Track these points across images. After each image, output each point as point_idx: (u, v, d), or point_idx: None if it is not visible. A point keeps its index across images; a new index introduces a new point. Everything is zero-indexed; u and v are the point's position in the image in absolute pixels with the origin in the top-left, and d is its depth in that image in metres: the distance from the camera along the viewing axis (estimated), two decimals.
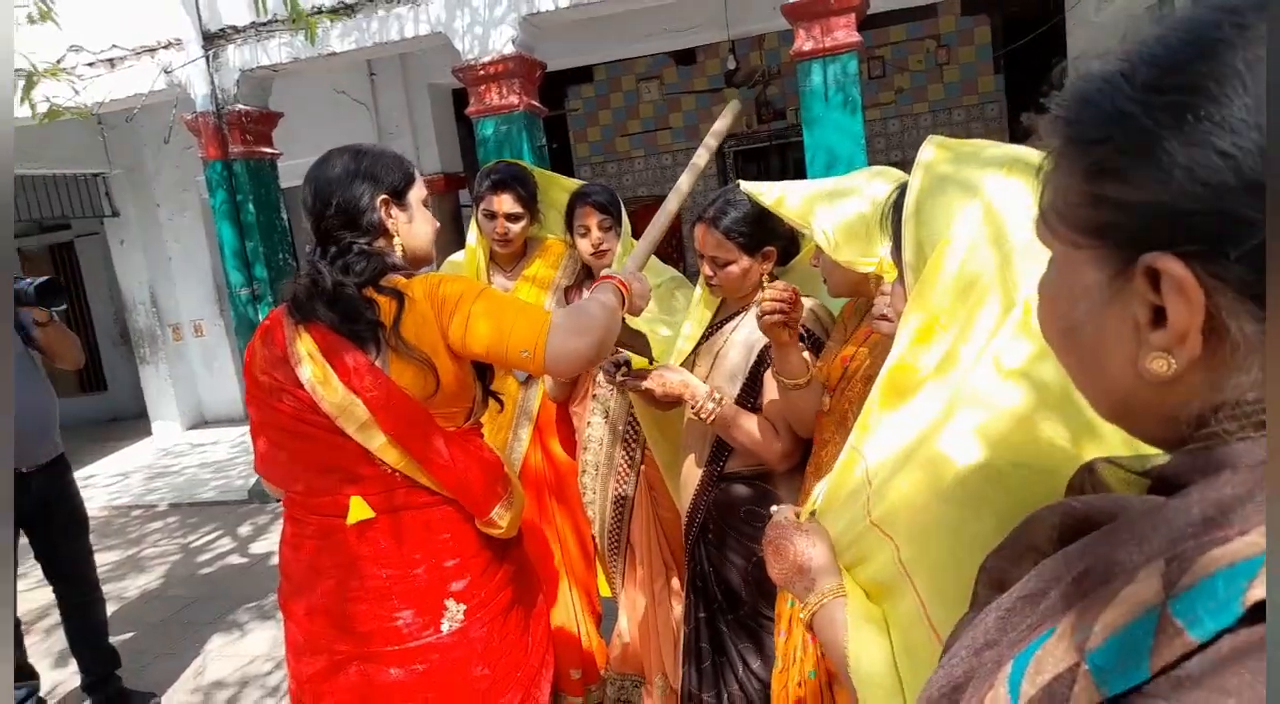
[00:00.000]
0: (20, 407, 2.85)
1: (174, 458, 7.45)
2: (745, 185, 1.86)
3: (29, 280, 2.74)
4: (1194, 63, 0.45)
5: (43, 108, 3.75)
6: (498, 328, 1.52)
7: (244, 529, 5.27)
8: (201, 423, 8.55)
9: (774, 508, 1.13)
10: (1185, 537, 0.43)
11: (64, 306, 2.84)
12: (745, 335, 1.98)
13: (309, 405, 1.55)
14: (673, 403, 2.03)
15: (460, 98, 7.44)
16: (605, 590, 2.73)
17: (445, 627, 1.61)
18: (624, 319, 1.74)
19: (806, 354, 1.83)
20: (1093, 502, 0.57)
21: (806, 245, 2.03)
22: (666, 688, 2.49)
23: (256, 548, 4.92)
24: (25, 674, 3.04)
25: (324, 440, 1.56)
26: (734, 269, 1.92)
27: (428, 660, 1.61)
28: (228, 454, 7.25)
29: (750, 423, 1.90)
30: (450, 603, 1.62)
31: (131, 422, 9.02)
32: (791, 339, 1.70)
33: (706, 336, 2.09)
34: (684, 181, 1.99)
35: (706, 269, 1.97)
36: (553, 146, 8.19)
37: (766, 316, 1.67)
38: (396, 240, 1.64)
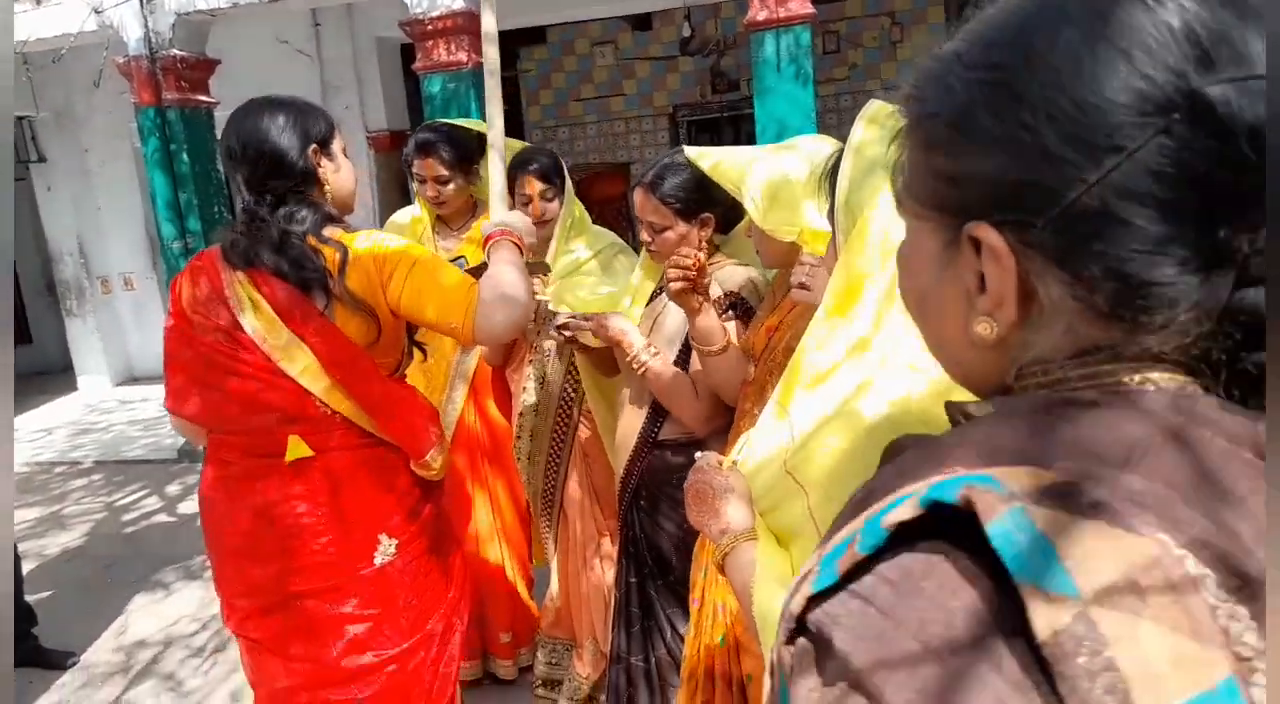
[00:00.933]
0: None
1: (101, 414, 7.23)
2: (689, 150, 1.85)
3: None
4: (1006, 40, 0.48)
5: None
6: (429, 297, 1.61)
7: (172, 488, 5.15)
8: (130, 379, 8.30)
9: (698, 454, 1.14)
10: (909, 473, 0.48)
11: None
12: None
13: (247, 346, 1.62)
14: (614, 367, 2.03)
15: (409, 53, 7.24)
16: (538, 557, 2.73)
17: (378, 560, 1.72)
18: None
19: (732, 323, 1.84)
20: (918, 437, 0.63)
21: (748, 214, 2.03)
22: (596, 651, 2.51)
23: (185, 508, 4.81)
24: None
25: (263, 381, 1.63)
26: (670, 235, 1.92)
27: (360, 592, 1.71)
28: (157, 412, 7.04)
29: (678, 382, 1.91)
30: (383, 537, 1.72)
31: (57, 376, 8.71)
32: (701, 306, 1.71)
33: (648, 303, 2.09)
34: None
35: (644, 234, 1.96)
36: (504, 109, 8.01)
37: (671, 283, 1.68)
38: (327, 189, 1.71)
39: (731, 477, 1.08)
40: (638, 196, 1.93)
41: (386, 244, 1.66)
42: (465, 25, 4.68)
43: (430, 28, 4.69)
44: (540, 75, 9.18)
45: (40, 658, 3.15)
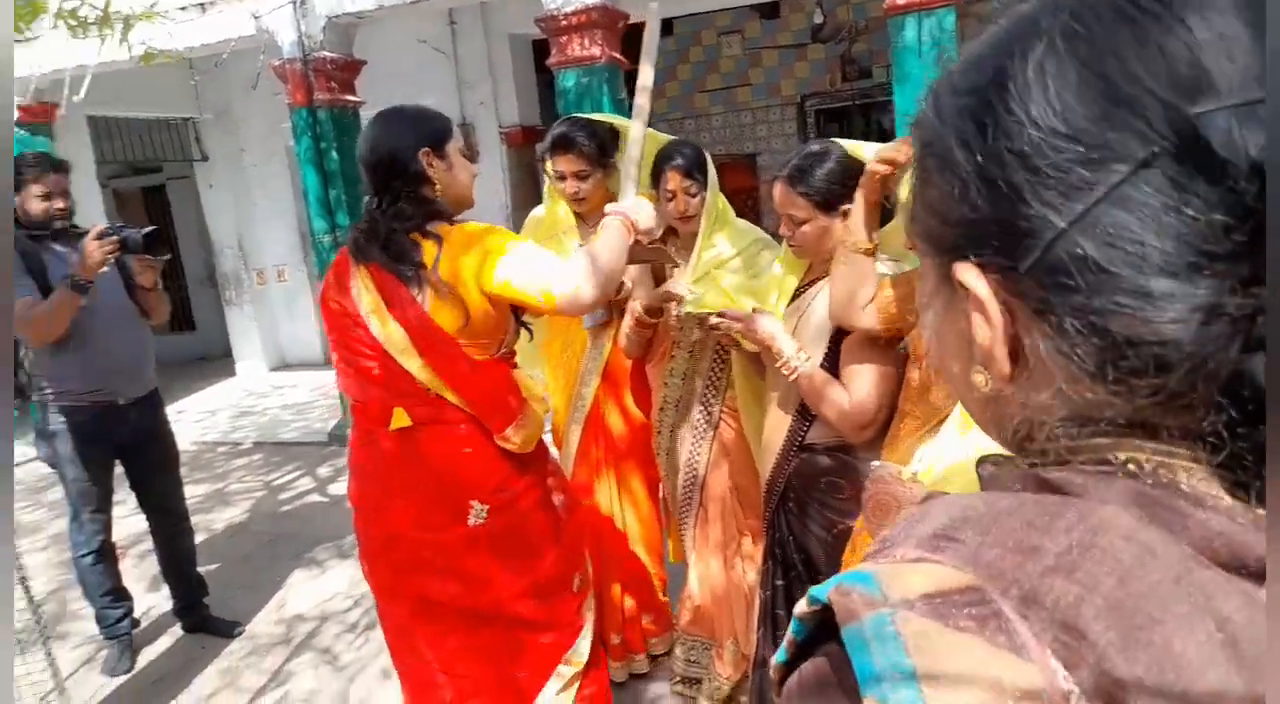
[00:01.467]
0: (119, 344, 2.97)
1: (257, 398, 7.72)
2: (842, 142, 1.80)
3: (135, 229, 2.81)
4: (985, 60, 0.44)
5: (138, 51, 3.83)
6: (515, 272, 1.77)
7: (324, 470, 5.44)
8: (283, 365, 8.83)
9: (874, 463, 1.11)
10: (888, 542, 0.45)
11: (168, 255, 2.91)
12: (827, 302, 1.92)
13: (364, 329, 1.86)
14: (763, 366, 2.01)
15: (540, 48, 7.38)
16: (675, 553, 2.72)
17: (471, 521, 1.92)
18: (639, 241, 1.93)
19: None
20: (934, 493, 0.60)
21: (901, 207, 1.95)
22: (737, 652, 2.50)
23: (335, 489, 5.08)
24: (121, 596, 3.20)
25: (376, 360, 1.87)
26: (810, 229, 1.87)
27: (459, 549, 1.93)
28: (308, 396, 7.48)
29: (834, 389, 1.87)
30: (474, 503, 1.92)
31: (217, 361, 9.36)
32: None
33: (794, 299, 2.05)
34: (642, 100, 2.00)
35: (784, 228, 1.92)
36: (619, 102, 8.10)
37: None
38: (438, 187, 1.88)
39: (916, 489, 1.05)
40: (777, 191, 1.90)
41: (481, 235, 1.82)
42: (600, 20, 4.72)
43: (565, 23, 4.76)
44: (665, 67, 9.18)
45: (210, 626, 3.39)
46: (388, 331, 1.83)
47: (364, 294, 1.85)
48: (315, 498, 4.99)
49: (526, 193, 7.64)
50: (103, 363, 2.92)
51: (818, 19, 6.58)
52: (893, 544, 0.43)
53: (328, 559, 4.06)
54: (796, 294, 2.05)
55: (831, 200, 1.85)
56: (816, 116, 8.91)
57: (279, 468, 5.62)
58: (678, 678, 2.68)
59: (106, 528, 3.10)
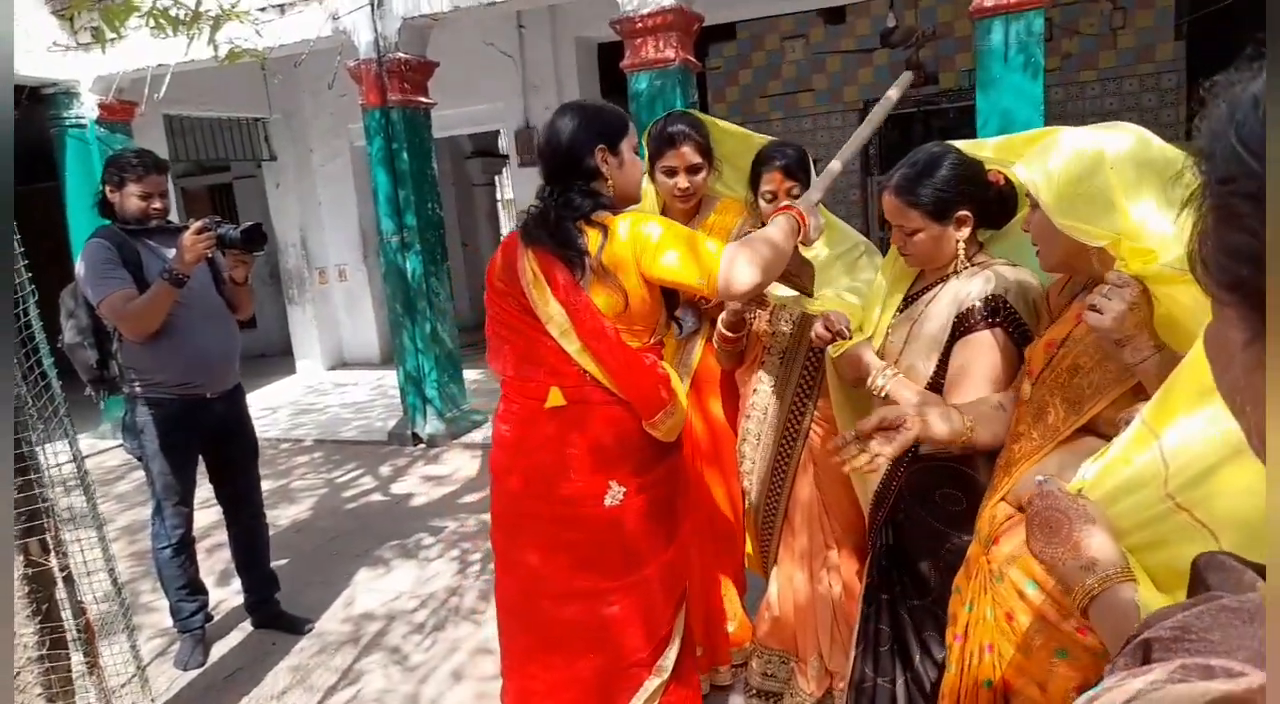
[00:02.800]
0: (209, 338, 3.00)
1: (318, 396, 7.80)
2: (959, 143, 1.73)
3: (231, 225, 2.83)
4: None
5: (223, 50, 3.88)
6: (682, 257, 1.83)
7: (384, 469, 5.47)
8: (341, 364, 8.92)
9: (1038, 478, 1.04)
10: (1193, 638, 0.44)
11: (263, 251, 2.93)
12: (943, 309, 1.85)
13: (528, 310, 1.93)
14: (862, 380, 1.94)
15: (605, 52, 7.38)
16: (754, 564, 2.66)
17: (608, 502, 1.97)
18: (797, 248, 1.99)
19: (987, 332, 1.72)
20: (1220, 570, 0.58)
21: (1023, 209, 1.86)
22: (822, 668, 2.42)
23: (397, 488, 5.09)
24: (197, 590, 3.22)
25: (536, 340, 1.94)
26: (922, 237, 1.80)
27: (587, 527, 1.99)
28: (367, 396, 7.54)
29: (917, 397, 1.80)
30: (613, 484, 1.97)
31: (278, 358, 9.49)
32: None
33: (904, 308, 1.97)
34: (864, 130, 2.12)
35: (896, 238, 1.86)
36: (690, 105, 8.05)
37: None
38: (610, 183, 1.96)
39: (1090, 507, 0.97)
40: (885, 201, 1.83)
41: (644, 223, 1.88)
42: (675, 22, 4.69)
43: (640, 25, 4.73)
44: (727, 72, 9.13)
45: (282, 622, 3.39)
46: (549, 312, 1.90)
47: (530, 276, 1.92)
48: (377, 497, 5.01)
49: None
50: (192, 357, 2.95)
51: (890, 22, 6.45)
52: (1211, 648, 0.38)
53: (392, 558, 4.06)
54: (907, 301, 1.97)
55: (944, 208, 1.77)
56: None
57: (340, 465, 5.66)
58: (754, 691, 2.61)
59: (188, 522, 3.12)
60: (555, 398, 1.96)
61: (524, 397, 2.01)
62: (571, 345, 1.91)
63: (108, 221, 2.97)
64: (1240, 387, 0.46)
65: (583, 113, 1.96)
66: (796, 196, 2.27)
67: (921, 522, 1.90)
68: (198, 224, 2.73)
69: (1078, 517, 0.95)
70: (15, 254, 2.09)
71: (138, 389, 2.95)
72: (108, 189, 2.95)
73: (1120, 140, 1.40)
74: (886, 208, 1.84)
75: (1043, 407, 1.51)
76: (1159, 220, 1.31)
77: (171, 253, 2.82)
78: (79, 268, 2.87)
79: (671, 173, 2.41)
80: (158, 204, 2.96)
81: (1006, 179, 1.79)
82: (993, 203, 1.83)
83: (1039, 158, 1.45)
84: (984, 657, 1.53)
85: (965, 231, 1.80)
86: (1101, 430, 1.43)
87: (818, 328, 2.01)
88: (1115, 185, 1.35)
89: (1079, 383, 1.44)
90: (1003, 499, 1.57)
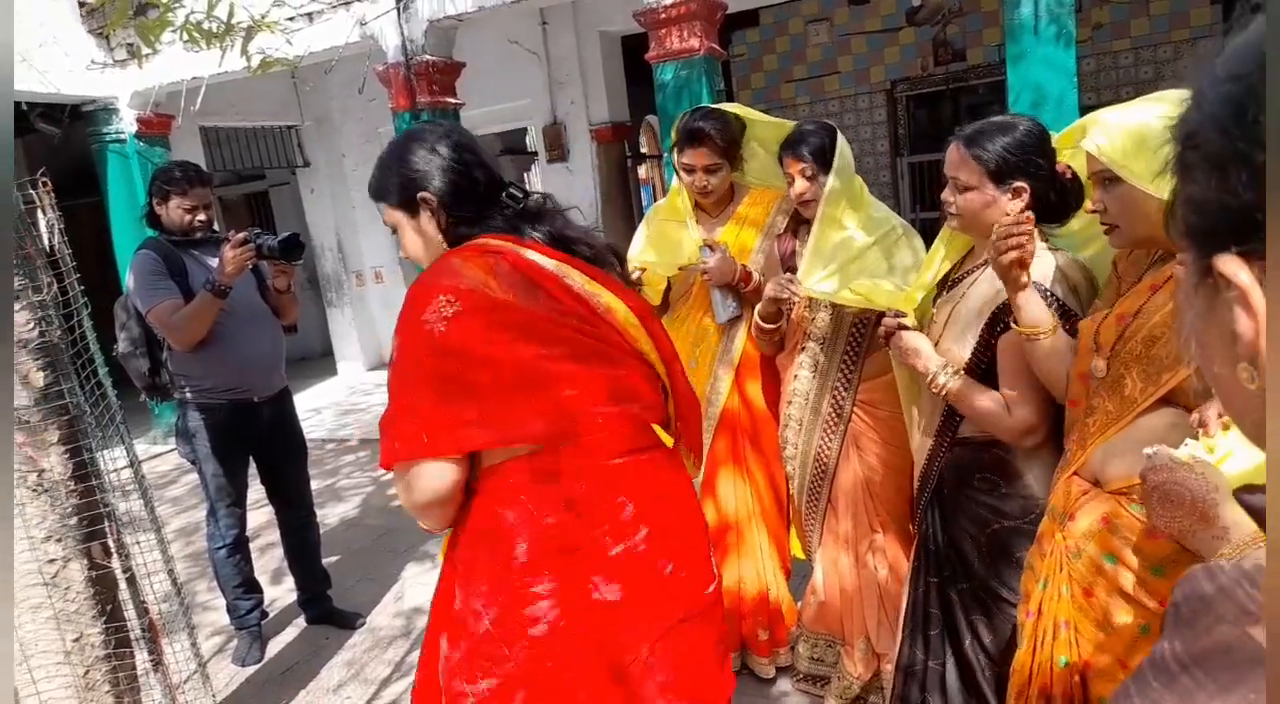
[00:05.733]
0: (255, 344, 3.07)
1: (360, 396, 7.92)
2: None
3: (270, 236, 2.90)
4: (1247, 54, 0.43)
5: (255, 60, 3.95)
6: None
7: None
8: (380, 365, 9.03)
9: (1148, 449, 1.02)
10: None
11: (301, 260, 3.00)
12: (983, 291, 1.83)
13: (613, 328, 1.46)
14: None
15: (629, 45, 7.38)
16: (797, 550, 2.67)
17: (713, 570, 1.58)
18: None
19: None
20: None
21: (1087, 198, 1.81)
22: (869, 651, 2.43)
23: None
24: (253, 588, 3.31)
25: (628, 364, 1.48)
26: (975, 196, 1.75)
27: (711, 613, 1.55)
28: None
29: (985, 399, 1.78)
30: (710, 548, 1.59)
31: (318, 361, 9.64)
32: (1028, 283, 1.57)
33: (950, 288, 1.95)
34: None
35: (947, 192, 1.82)
36: (716, 94, 8.02)
37: (1000, 253, 1.54)
38: None
39: (1209, 471, 0.95)
40: (950, 152, 1.79)
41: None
42: (698, 11, 4.68)
43: (664, 16, 4.72)
44: (751, 59, 9.08)
45: (334, 617, 3.47)
46: (627, 319, 1.48)
47: (588, 284, 1.47)
48: None
49: (616, 189, 7.64)
50: (239, 362, 3.02)
51: (915, 1, 6.37)
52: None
53: (439, 553, 4.10)
54: (950, 283, 1.95)
55: (1004, 171, 1.72)
56: (907, 102, 8.69)
57: None
58: (801, 675, 2.62)
59: (241, 522, 3.21)
60: (665, 436, 1.55)
61: (618, 441, 1.44)
62: (653, 355, 1.53)
63: (153, 233, 3.06)
64: (1195, 329, 0.50)
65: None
66: (811, 178, 2.26)
67: (962, 505, 1.90)
68: (238, 236, 2.80)
69: (1202, 489, 0.93)
70: (69, 269, 2.16)
71: (188, 395, 3.03)
72: (154, 202, 3.03)
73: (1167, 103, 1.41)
74: (949, 159, 1.79)
75: (1118, 379, 1.48)
76: None
77: (215, 262, 2.89)
78: (129, 279, 2.96)
79: (690, 170, 2.44)
80: (202, 216, 3.03)
81: (1074, 174, 1.75)
82: (1054, 189, 1.76)
83: (1094, 127, 1.46)
84: (1059, 634, 1.52)
85: (1018, 205, 1.73)
86: (1180, 401, 1.41)
87: (887, 320, 1.98)
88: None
89: (1156, 353, 1.41)
90: (1076, 474, 1.55)
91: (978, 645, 1.91)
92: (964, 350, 1.84)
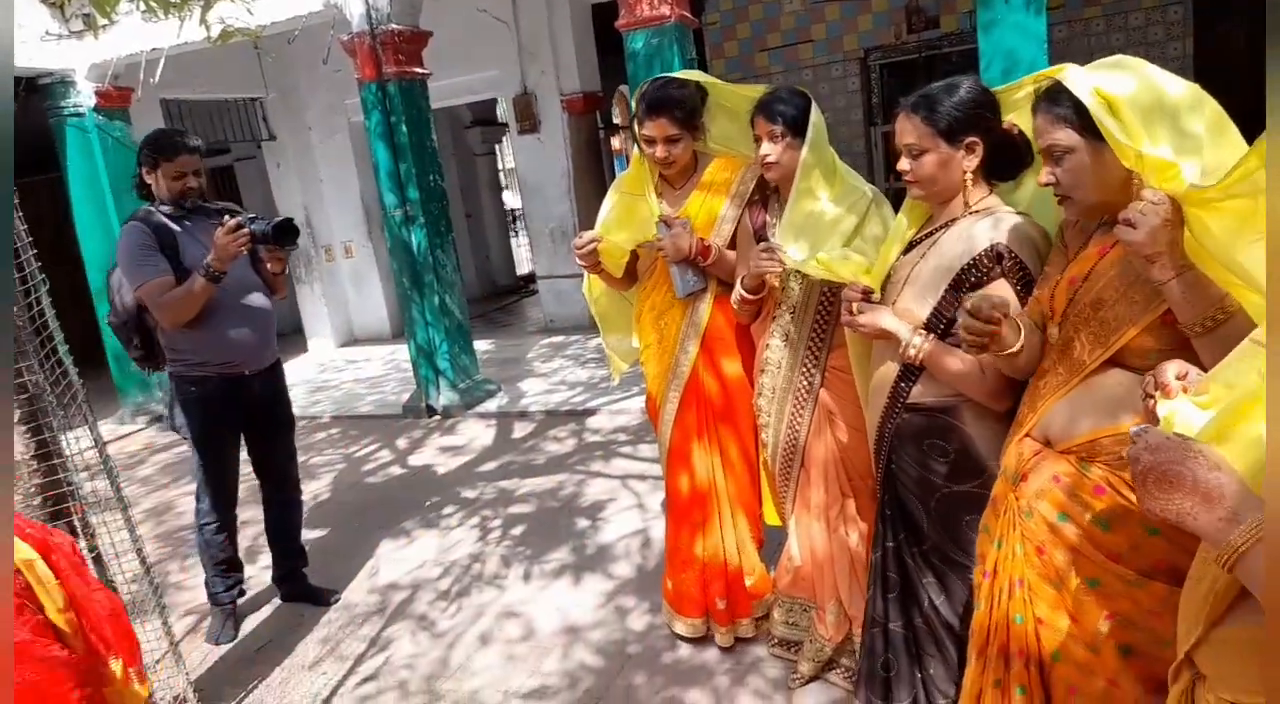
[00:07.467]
0: (247, 319, 3.05)
1: (331, 373, 7.85)
2: None
3: (263, 220, 2.85)
4: None
5: (215, 30, 3.85)
6: None
7: (401, 442, 5.52)
8: (351, 341, 8.96)
9: (1134, 428, 0.95)
10: None
11: (296, 246, 2.96)
12: (946, 252, 1.83)
13: None
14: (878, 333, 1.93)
15: (600, 12, 7.28)
16: (771, 517, 2.68)
17: None
18: None
19: (1015, 305, 1.69)
20: None
21: (1038, 163, 1.82)
22: (840, 614, 2.46)
23: (415, 460, 5.14)
24: (234, 566, 3.29)
25: None
26: (930, 158, 1.77)
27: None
28: (380, 371, 7.58)
29: (957, 361, 1.79)
30: None
31: (288, 338, 9.52)
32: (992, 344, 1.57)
33: (907, 251, 1.96)
34: None
35: (903, 163, 1.83)
36: (689, 62, 7.95)
37: (971, 344, 1.56)
38: None
39: (1203, 447, 0.88)
40: (900, 121, 1.80)
41: None
42: None
43: None
44: (724, 26, 8.98)
45: (310, 594, 3.46)
46: None
47: None
48: (396, 469, 5.06)
49: (588, 159, 7.57)
50: (232, 336, 2.99)
51: None
52: None
53: (414, 528, 4.11)
54: (911, 244, 1.95)
55: (955, 129, 1.73)
56: (880, 71, 8.65)
57: (357, 440, 5.71)
58: (775, 640, 2.65)
59: (231, 498, 3.19)
60: None
61: None
62: None
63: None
64: None
65: None
66: (776, 139, 2.24)
67: (911, 470, 1.92)
68: (231, 222, 2.77)
69: (1198, 463, 0.87)
70: (24, 245, 2.11)
71: (180, 368, 3.00)
72: (143, 171, 2.98)
73: (1124, 80, 1.44)
74: (900, 128, 1.80)
75: (1068, 342, 1.52)
76: (1167, 151, 1.34)
77: (207, 236, 2.85)
78: (118, 252, 2.92)
79: (651, 142, 2.42)
80: (192, 182, 2.98)
81: (1021, 132, 1.77)
82: (1004, 142, 1.79)
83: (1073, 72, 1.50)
84: (1014, 592, 1.55)
85: (973, 162, 1.77)
86: (1129, 363, 1.44)
87: (847, 292, 1.97)
88: (1170, 107, 1.38)
89: (1104, 316, 1.45)
90: (1028, 435, 1.58)
91: (932, 607, 1.94)
92: (923, 310, 1.85)
